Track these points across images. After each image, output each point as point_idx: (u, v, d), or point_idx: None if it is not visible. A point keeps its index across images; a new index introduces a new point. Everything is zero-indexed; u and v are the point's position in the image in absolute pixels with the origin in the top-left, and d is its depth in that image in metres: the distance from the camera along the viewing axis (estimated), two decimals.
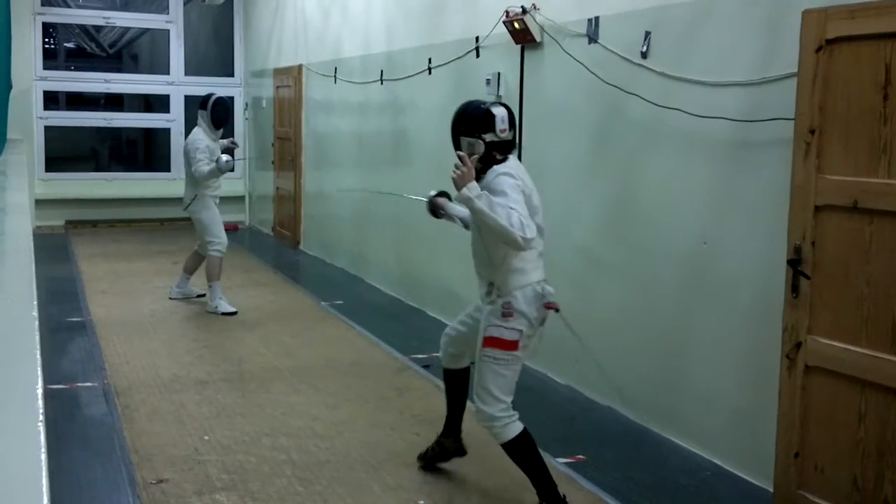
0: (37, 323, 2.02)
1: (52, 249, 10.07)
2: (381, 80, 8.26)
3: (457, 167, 3.53)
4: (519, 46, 5.98)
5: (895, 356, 3.42)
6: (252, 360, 6.13)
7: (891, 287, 3.43)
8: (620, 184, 5.14)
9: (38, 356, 1.76)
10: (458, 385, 4.20)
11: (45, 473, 1.17)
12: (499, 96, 6.30)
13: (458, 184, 3.50)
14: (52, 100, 12.87)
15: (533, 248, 3.62)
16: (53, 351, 6.15)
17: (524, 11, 5.76)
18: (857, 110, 3.52)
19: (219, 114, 7.47)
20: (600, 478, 4.28)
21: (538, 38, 5.78)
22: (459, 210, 4.13)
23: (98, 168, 15.00)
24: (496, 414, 3.67)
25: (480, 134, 3.73)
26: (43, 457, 1.24)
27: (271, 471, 4.24)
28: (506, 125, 3.74)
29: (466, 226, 4.13)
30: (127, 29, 14.87)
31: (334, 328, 7.09)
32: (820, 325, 3.70)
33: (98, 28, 15.17)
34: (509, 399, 3.70)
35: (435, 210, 4.33)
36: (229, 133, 12.54)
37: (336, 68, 9.40)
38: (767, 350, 4.01)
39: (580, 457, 4.51)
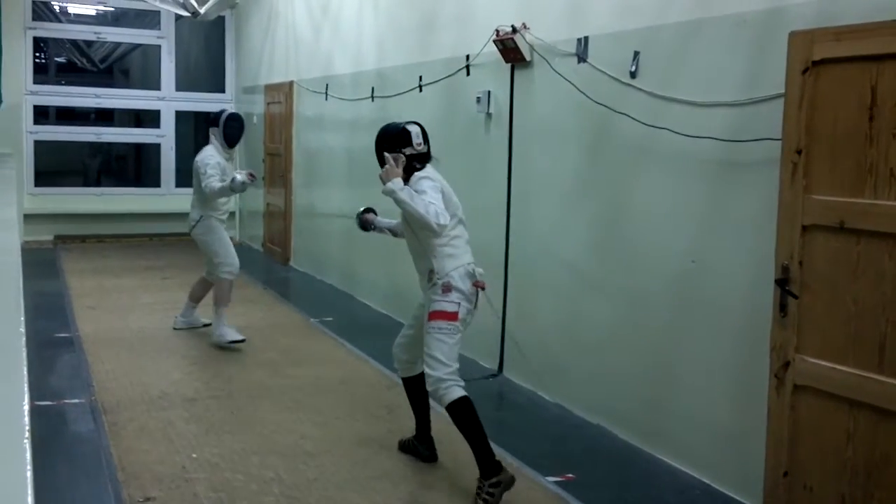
0: (24, 339, 2.01)
1: (40, 264, 10.03)
2: (373, 97, 8.29)
3: (391, 161, 4.22)
4: (509, 65, 6.01)
5: (883, 375, 3.44)
6: (241, 377, 6.10)
7: (878, 306, 3.45)
8: (609, 202, 5.16)
9: (25, 372, 1.75)
10: (418, 391, 4.58)
11: (30, 491, 1.17)
12: (489, 114, 6.33)
13: (385, 179, 4.17)
14: (43, 114, 12.85)
15: (459, 235, 4.28)
16: (40, 367, 6.11)
17: (514, 31, 5.79)
18: (844, 131, 3.55)
19: (232, 130, 6.95)
20: (590, 497, 4.27)
21: (528, 57, 5.81)
22: (387, 222, 4.91)
23: (87, 183, 14.97)
24: (442, 376, 4.13)
25: (401, 149, 4.32)
26: (29, 474, 1.24)
27: (259, 489, 4.21)
28: (420, 140, 4.38)
29: (395, 234, 4.85)
30: (118, 44, 14.89)
31: (324, 345, 7.07)
32: (808, 344, 3.71)
33: (89, 43, 15.20)
34: (455, 365, 4.16)
35: (365, 225, 5.03)
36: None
37: (327, 85, 9.43)
38: (756, 369, 4.02)
39: (570, 475, 4.50)
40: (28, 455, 1.32)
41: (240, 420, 5.19)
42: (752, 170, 4.16)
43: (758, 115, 4.09)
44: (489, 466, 4.05)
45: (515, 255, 6.10)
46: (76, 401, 5.49)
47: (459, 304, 4.20)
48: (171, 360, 6.46)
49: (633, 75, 4.90)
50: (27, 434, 1.39)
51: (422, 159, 4.35)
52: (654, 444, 4.79)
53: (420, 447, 4.64)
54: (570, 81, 5.37)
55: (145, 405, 5.39)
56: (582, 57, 5.31)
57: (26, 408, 1.53)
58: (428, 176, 4.24)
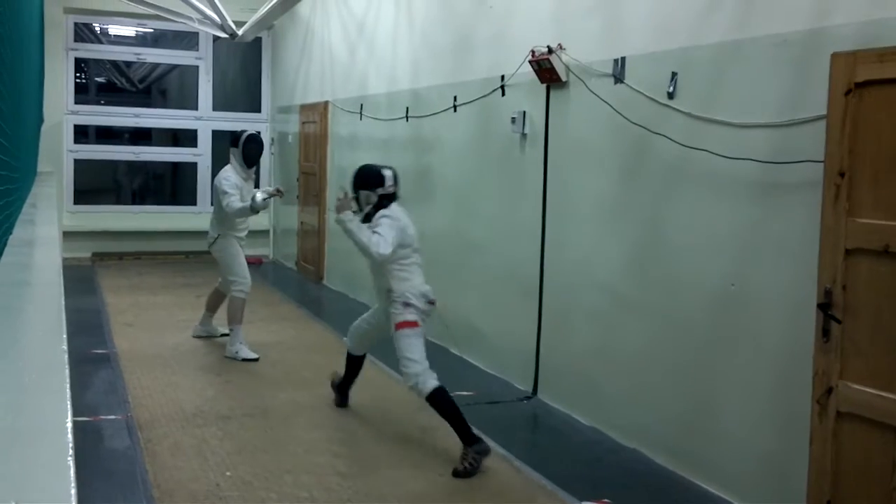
0: (66, 356, 2.02)
1: (78, 281, 10.16)
2: (407, 117, 8.32)
3: (339, 199, 5.10)
4: (544, 85, 6.01)
5: None
6: (274, 395, 6.11)
7: None
8: (646, 224, 5.12)
9: (68, 389, 1.75)
10: (355, 366, 5.76)
11: None
12: (524, 134, 6.32)
13: (339, 210, 5.04)
14: (82, 133, 13.07)
15: (413, 262, 5.12)
16: (78, 383, 6.17)
17: (550, 51, 5.79)
18: (888, 153, 3.50)
19: (251, 151, 7.14)
20: None
21: (564, 78, 5.81)
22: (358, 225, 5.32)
23: (125, 201, 15.18)
24: (417, 371, 4.90)
25: (374, 188, 5.16)
26: (73, 491, 1.23)
27: None
28: (391, 183, 5.21)
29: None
30: (157, 65, 15.13)
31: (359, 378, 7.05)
32: (851, 370, 3.64)
33: (128, 64, 15.46)
34: (425, 363, 4.93)
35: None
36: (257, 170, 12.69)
37: (362, 105, 9.49)
38: (797, 394, 3.94)
39: (605, 500, 4.44)
40: (72, 473, 1.31)
41: (273, 438, 5.19)
42: (793, 192, 4.10)
43: (799, 136, 4.04)
44: (470, 437, 4.76)
45: (550, 275, 6.07)
46: (112, 417, 5.53)
47: (417, 314, 5.05)
48: (206, 378, 6.49)
49: (670, 96, 4.87)
50: (71, 451, 1.39)
51: (389, 198, 5.19)
52: (692, 470, 4.72)
53: (338, 396, 5.83)
54: (606, 102, 5.35)
55: (180, 422, 5.42)
56: (618, 77, 5.29)
57: (70, 425, 1.53)
58: (388, 214, 5.07)
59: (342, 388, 5.81)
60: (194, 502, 4.23)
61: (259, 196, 6.85)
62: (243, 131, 7.31)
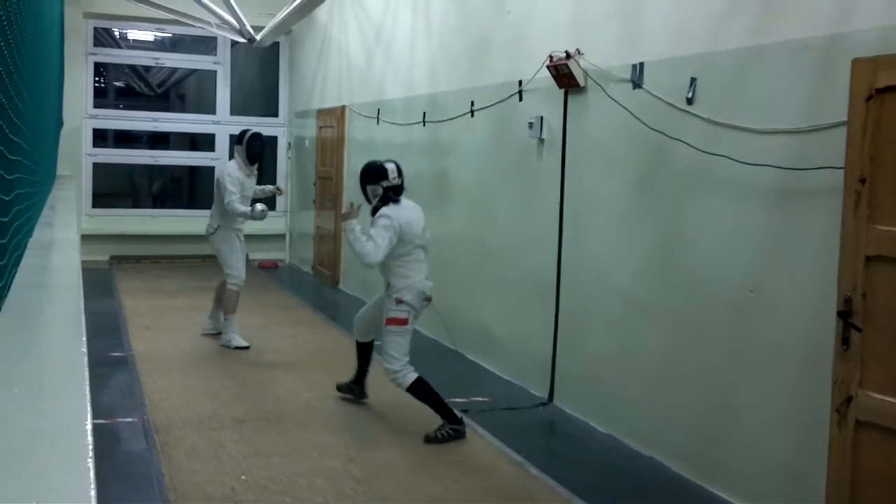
0: (86, 359, 2.03)
1: (96, 284, 10.21)
2: (424, 122, 8.33)
3: (348, 209, 5.47)
4: (562, 90, 6.00)
5: None
6: (290, 399, 6.12)
7: None
8: (664, 229, 5.09)
9: (88, 392, 1.76)
10: (365, 352, 5.98)
11: None
12: (541, 140, 6.31)
13: (344, 218, 5.40)
14: (101, 137, 13.15)
15: (415, 259, 5.37)
16: (95, 385, 6.14)
17: (568, 56, 5.78)
18: None
19: (254, 148, 7.49)
20: None
21: (582, 83, 5.79)
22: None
23: (142, 204, 15.26)
24: (397, 368, 5.29)
25: (379, 182, 5.39)
26: (93, 493, 1.24)
27: None
28: (395, 175, 5.42)
29: None
30: (175, 69, 15.22)
31: (372, 369, 7.04)
32: (871, 378, 3.60)
33: (147, 68, 15.56)
34: (406, 359, 5.30)
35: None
36: (271, 170, 12.75)
37: (379, 109, 9.51)
38: (816, 403, 3.91)
39: None
40: (92, 475, 1.31)
41: (288, 443, 5.20)
42: (812, 198, 4.07)
43: (819, 142, 4.01)
44: (452, 416, 5.24)
45: (567, 281, 6.05)
46: (129, 419, 5.56)
47: (408, 312, 5.32)
48: (222, 381, 6.51)
49: (689, 101, 4.85)
50: (91, 454, 1.39)
51: (396, 191, 5.43)
52: (709, 478, 4.68)
53: (356, 389, 5.97)
54: (624, 107, 5.33)
55: (196, 425, 5.43)
56: (637, 83, 5.27)
57: (89, 427, 1.53)
58: (387, 214, 5.29)
59: (358, 380, 5.99)
60: None
61: (258, 207, 7.34)
62: (247, 129, 7.72)
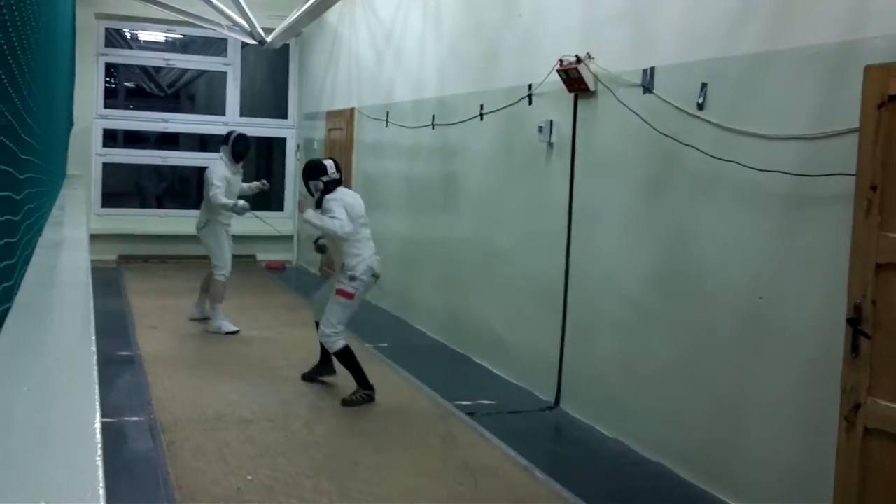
0: (95, 357, 2.04)
1: (104, 284, 10.22)
2: (433, 125, 8.33)
3: (300, 202, 6.17)
4: (572, 95, 5.99)
5: None
6: (296, 400, 6.12)
7: None
8: (674, 235, 5.08)
9: (97, 390, 1.76)
10: None
11: None
12: (551, 143, 6.31)
13: (302, 209, 6.05)
14: (111, 137, 13.19)
15: (359, 238, 5.97)
16: (102, 384, 6.14)
17: (578, 60, 5.78)
18: None
19: (239, 148, 8.08)
20: None
21: (592, 87, 5.79)
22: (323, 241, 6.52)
23: (151, 204, 15.30)
24: (331, 332, 5.97)
25: (320, 177, 6.11)
26: (101, 491, 1.24)
27: None
28: (333, 170, 6.14)
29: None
30: (185, 70, 15.26)
31: (378, 371, 7.05)
32: (881, 386, 3.59)
33: (158, 69, 15.61)
34: (342, 328, 5.98)
35: (321, 249, 6.75)
36: (279, 171, 12.77)
37: (388, 112, 9.51)
38: (825, 410, 3.89)
39: None
40: (100, 473, 1.32)
41: (294, 443, 5.20)
42: (823, 205, 4.06)
43: (830, 149, 4.00)
44: (366, 383, 5.98)
45: (575, 285, 6.04)
46: (135, 418, 5.56)
47: (357, 288, 5.96)
48: (228, 382, 6.51)
49: (700, 107, 4.84)
50: (99, 451, 1.39)
51: (335, 184, 6.12)
52: (717, 485, 4.66)
53: (322, 368, 6.43)
54: (635, 112, 5.32)
55: (202, 425, 5.44)
56: (647, 87, 5.26)
57: (98, 425, 1.54)
58: (335, 197, 5.99)
59: (323, 360, 6.43)
60: None
61: (241, 203, 7.88)
62: (232, 131, 8.37)
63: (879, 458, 3.59)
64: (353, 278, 5.94)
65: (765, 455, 4.36)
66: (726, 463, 4.61)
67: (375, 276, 6.04)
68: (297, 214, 6.46)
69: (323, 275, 11.71)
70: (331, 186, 6.09)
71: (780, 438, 4.27)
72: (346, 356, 6.01)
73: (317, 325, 6.31)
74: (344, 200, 5.98)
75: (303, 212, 6.02)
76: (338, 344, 5.98)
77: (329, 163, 6.22)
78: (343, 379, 6.33)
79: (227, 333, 7.89)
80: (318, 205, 6.03)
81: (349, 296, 5.95)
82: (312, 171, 6.21)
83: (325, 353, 6.37)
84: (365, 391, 5.98)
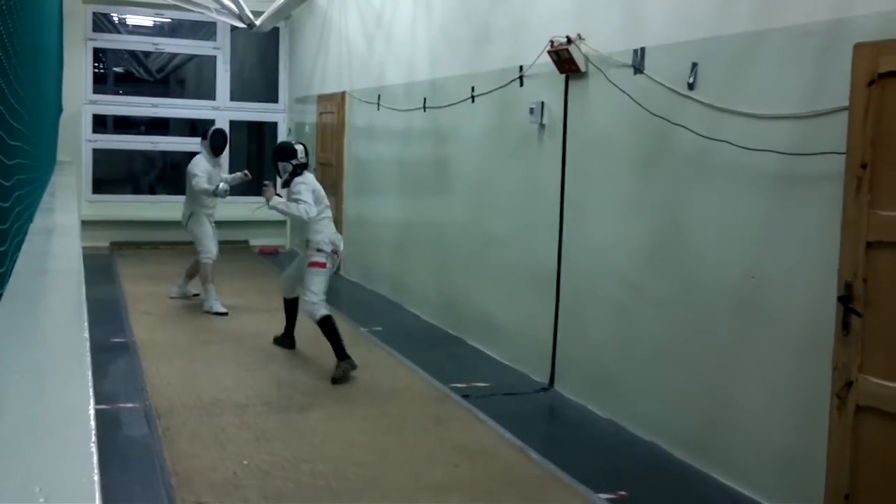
0: (88, 344, 2.03)
1: (96, 270, 10.20)
2: (424, 108, 8.31)
3: (265, 187, 6.57)
4: (563, 76, 5.98)
5: None
6: (291, 384, 6.14)
7: None
8: (665, 215, 5.09)
9: (90, 377, 1.76)
10: (292, 308, 7.00)
11: (98, 494, 1.17)
12: (542, 125, 6.30)
13: (266, 196, 6.55)
14: (101, 123, 13.12)
15: (322, 218, 6.45)
16: (96, 371, 6.15)
17: (569, 41, 5.76)
18: None
19: (217, 142, 8.61)
20: None
21: (583, 68, 5.78)
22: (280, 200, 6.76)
23: (142, 190, 15.24)
24: (314, 301, 6.34)
25: (289, 160, 6.53)
26: (96, 478, 1.24)
27: (310, 497, 4.22)
28: (303, 154, 6.60)
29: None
30: (174, 55, 15.16)
31: (373, 354, 7.08)
32: (872, 363, 3.61)
33: (147, 53, 15.50)
34: (322, 297, 6.36)
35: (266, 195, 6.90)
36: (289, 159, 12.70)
37: (379, 95, 9.48)
38: (817, 388, 3.92)
39: (622, 493, 4.44)
40: (95, 459, 1.32)
41: (290, 427, 5.21)
42: (814, 184, 4.07)
43: (821, 128, 4.00)
44: (344, 354, 6.23)
45: (568, 267, 6.05)
46: (131, 405, 5.57)
47: (325, 259, 6.42)
48: (224, 367, 6.52)
49: (691, 87, 4.83)
50: (94, 438, 1.40)
51: (303, 167, 6.58)
52: (709, 463, 4.70)
53: (286, 341, 7.02)
54: (626, 93, 5.32)
55: (198, 411, 5.45)
56: (638, 68, 5.26)
57: (92, 412, 1.54)
58: (303, 181, 6.46)
59: (288, 332, 7.03)
60: (212, 490, 4.26)
61: (221, 185, 8.36)
62: (210, 126, 9.02)
63: (871, 435, 3.62)
64: (319, 250, 6.42)
65: (758, 433, 4.39)
66: (719, 442, 4.64)
67: (336, 251, 6.49)
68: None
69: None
70: (299, 170, 6.53)
71: (772, 417, 4.30)
72: (328, 324, 6.31)
73: (285, 301, 6.95)
74: (311, 185, 6.44)
75: (269, 200, 6.50)
76: (320, 312, 6.31)
77: (300, 147, 6.63)
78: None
79: (216, 314, 8.20)
80: (286, 185, 6.55)
81: (321, 265, 6.42)
82: (283, 152, 6.63)
83: (289, 326, 7.00)
84: (345, 362, 6.24)
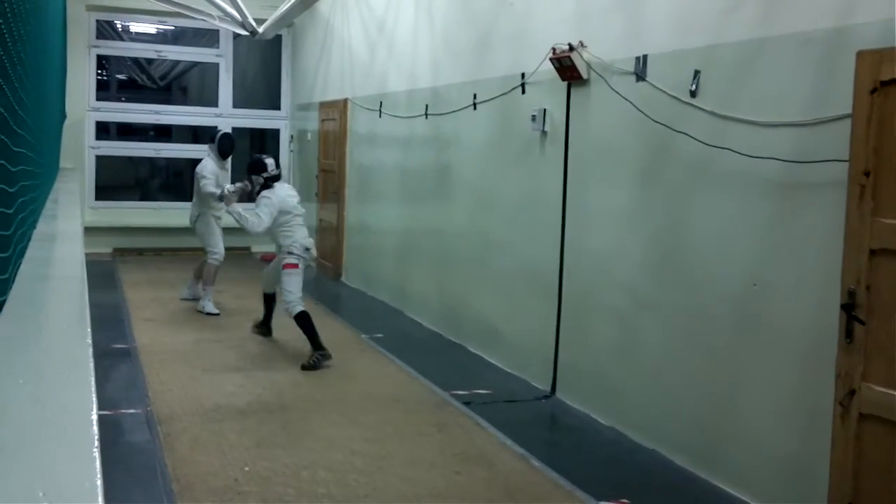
0: (91, 350, 2.03)
1: (99, 276, 10.20)
2: (426, 115, 8.32)
3: (231, 192, 7.47)
4: (565, 83, 5.99)
5: None
6: (292, 391, 6.13)
7: None
8: (668, 223, 5.09)
9: (93, 383, 1.76)
10: (270, 301, 7.59)
11: (101, 499, 1.17)
12: (544, 132, 6.31)
13: (226, 201, 7.38)
14: (104, 130, 13.14)
15: (293, 225, 7.04)
16: (98, 377, 6.16)
17: (571, 49, 5.77)
18: None
19: (224, 146, 8.88)
20: None
21: (585, 76, 5.78)
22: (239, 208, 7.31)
23: (145, 197, 15.26)
24: (291, 299, 6.85)
25: (260, 173, 7.16)
26: (99, 483, 1.24)
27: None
28: (273, 167, 7.20)
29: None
30: (177, 62, 15.20)
31: (375, 361, 7.08)
32: (875, 371, 3.60)
33: (150, 61, 15.55)
34: (298, 294, 6.88)
35: (224, 198, 7.67)
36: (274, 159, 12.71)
37: (381, 102, 9.50)
38: (820, 396, 3.91)
39: (624, 501, 4.42)
40: (98, 465, 1.32)
41: (291, 434, 5.21)
42: (816, 191, 4.07)
43: (823, 135, 4.00)
44: (319, 345, 6.73)
45: (570, 274, 6.05)
46: (132, 411, 5.57)
47: (297, 259, 6.94)
48: (225, 373, 6.52)
49: (693, 94, 4.84)
50: (96, 443, 1.40)
51: (273, 179, 7.16)
52: (712, 471, 4.69)
53: (263, 329, 7.63)
54: (628, 100, 5.32)
55: (199, 417, 5.44)
56: (640, 75, 5.26)
57: (95, 417, 1.54)
58: (267, 196, 7.01)
59: (266, 322, 7.64)
60: (213, 496, 4.25)
61: (227, 188, 8.25)
62: (218, 130, 9.17)
63: (875, 444, 3.61)
64: (290, 253, 6.96)
65: (760, 441, 4.38)
66: (721, 449, 4.63)
67: (308, 251, 7.02)
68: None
69: (318, 266, 11.70)
70: (269, 182, 7.12)
71: (775, 425, 4.29)
72: (304, 319, 6.83)
73: (264, 295, 7.58)
74: (276, 198, 6.98)
75: (228, 205, 7.25)
76: (296, 308, 6.83)
77: (270, 161, 7.25)
78: (340, 370, 6.33)
79: (208, 314, 8.48)
80: (257, 195, 7.14)
81: (294, 266, 6.95)
82: (255, 166, 7.25)
83: (266, 316, 7.61)
84: (318, 352, 6.70)
